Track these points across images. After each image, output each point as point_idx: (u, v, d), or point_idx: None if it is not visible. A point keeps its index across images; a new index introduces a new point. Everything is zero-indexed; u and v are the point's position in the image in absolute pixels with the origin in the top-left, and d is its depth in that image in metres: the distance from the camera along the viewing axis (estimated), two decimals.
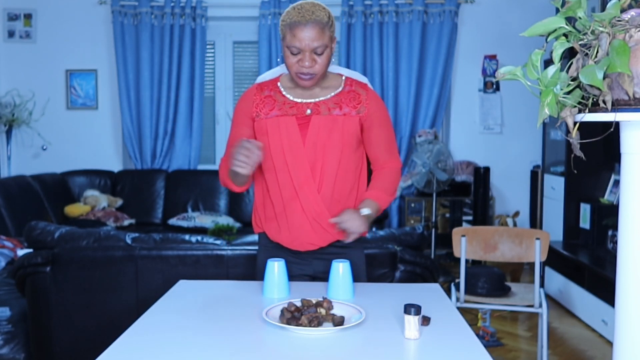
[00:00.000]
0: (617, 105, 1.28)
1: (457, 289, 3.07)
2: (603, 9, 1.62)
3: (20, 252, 3.61)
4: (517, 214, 5.08)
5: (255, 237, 2.68)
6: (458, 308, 2.89)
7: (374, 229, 3.26)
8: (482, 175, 4.86)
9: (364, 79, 2.07)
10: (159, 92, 5.51)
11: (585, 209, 4.36)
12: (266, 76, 2.14)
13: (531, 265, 5.05)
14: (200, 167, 5.68)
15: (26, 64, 5.61)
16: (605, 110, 1.28)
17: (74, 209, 5.08)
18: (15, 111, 5.39)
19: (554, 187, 4.77)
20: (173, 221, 5.10)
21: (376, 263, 2.57)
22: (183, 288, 1.91)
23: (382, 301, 1.75)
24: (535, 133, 5.56)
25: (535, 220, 5.28)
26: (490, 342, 3.54)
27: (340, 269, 1.78)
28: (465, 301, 3.06)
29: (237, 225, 5.04)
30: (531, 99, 5.43)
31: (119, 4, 5.42)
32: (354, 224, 1.83)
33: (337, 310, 1.60)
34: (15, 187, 4.74)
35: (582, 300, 3.97)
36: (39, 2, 5.58)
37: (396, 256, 2.61)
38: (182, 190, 5.34)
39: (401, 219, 5.44)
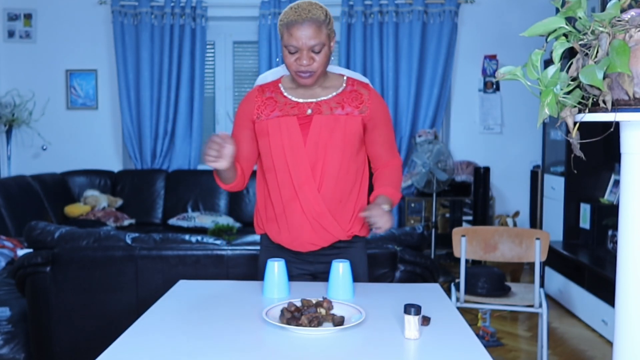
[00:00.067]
0: (617, 105, 1.28)
1: (457, 289, 3.07)
2: (603, 9, 1.62)
3: (20, 252, 3.61)
4: (517, 214, 5.08)
5: (255, 237, 2.68)
6: (458, 308, 2.89)
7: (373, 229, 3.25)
8: (482, 175, 4.86)
9: (364, 80, 2.06)
10: (159, 92, 5.51)
11: (585, 209, 4.36)
12: (267, 75, 2.14)
13: (531, 265, 5.05)
14: (200, 167, 5.67)
15: (26, 64, 5.61)
16: (605, 110, 1.28)
17: (74, 209, 5.08)
18: (15, 111, 5.39)
19: (554, 187, 4.77)
20: (173, 221, 5.10)
21: (376, 263, 2.57)
22: (183, 288, 1.91)
23: (382, 301, 1.75)
24: (535, 133, 5.56)
25: (535, 220, 5.28)
26: (490, 342, 3.54)
27: (340, 269, 1.78)
28: (465, 301, 3.06)
29: (237, 225, 5.04)
30: (531, 99, 5.43)
31: (119, 4, 5.42)
32: (383, 219, 1.83)
33: (337, 310, 1.60)
34: (15, 187, 4.74)
35: (582, 300, 3.97)
36: (39, 2, 5.58)
37: (396, 256, 2.61)
38: (182, 190, 5.34)
39: (401, 219, 5.44)
